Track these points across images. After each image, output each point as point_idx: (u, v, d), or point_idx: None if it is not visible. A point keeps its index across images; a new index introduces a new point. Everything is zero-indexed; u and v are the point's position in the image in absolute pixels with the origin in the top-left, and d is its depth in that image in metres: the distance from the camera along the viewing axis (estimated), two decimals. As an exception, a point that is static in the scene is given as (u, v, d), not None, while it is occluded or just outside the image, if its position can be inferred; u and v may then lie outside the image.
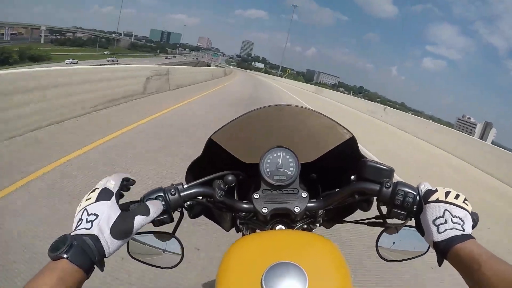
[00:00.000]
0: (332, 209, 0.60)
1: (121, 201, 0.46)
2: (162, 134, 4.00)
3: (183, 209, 0.52)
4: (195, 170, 0.59)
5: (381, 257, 0.58)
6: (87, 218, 0.40)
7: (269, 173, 0.55)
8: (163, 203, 0.47)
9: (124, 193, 0.49)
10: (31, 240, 1.61)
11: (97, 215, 0.40)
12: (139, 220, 0.42)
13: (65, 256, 0.35)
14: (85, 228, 0.39)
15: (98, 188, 0.44)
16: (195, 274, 1.55)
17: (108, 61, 60.46)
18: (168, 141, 3.71)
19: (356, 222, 0.63)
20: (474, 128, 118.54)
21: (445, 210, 0.43)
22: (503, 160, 5.92)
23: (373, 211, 0.58)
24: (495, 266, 0.35)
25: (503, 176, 5.57)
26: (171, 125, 4.53)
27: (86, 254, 0.37)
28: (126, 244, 0.44)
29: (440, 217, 0.43)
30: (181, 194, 0.49)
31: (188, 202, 0.52)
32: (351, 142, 0.58)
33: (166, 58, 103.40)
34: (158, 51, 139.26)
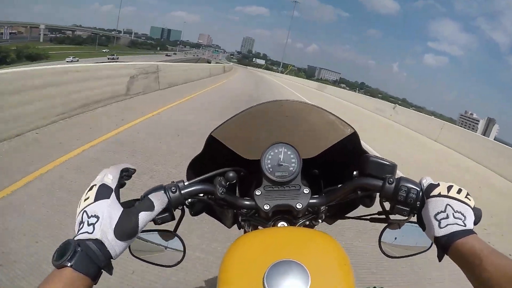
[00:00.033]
0: (334, 205, 0.60)
1: (123, 191, 0.43)
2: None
3: (184, 206, 0.52)
4: (196, 167, 0.59)
5: (384, 253, 0.57)
6: (88, 221, 0.37)
7: (271, 169, 0.54)
8: (167, 194, 0.46)
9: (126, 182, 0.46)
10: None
11: (98, 217, 0.37)
12: (143, 216, 0.40)
13: (68, 264, 0.33)
14: (87, 232, 0.37)
15: (95, 184, 0.41)
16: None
17: (108, 58, 60.33)
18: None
19: (359, 218, 0.63)
20: (477, 124, 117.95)
21: (447, 204, 0.43)
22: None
23: (376, 207, 0.58)
24: (496, 261, 0.35)
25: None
26: (134, 150, 3.18)
27: (91, 260, 0.35)
28: None
29: (441, 211, 0.43)
30: (182, 191, 0.48)
31: (189, 200, 0.52)
32: (353, 138, 0.57)
33: (167, 55, 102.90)
34: (158, 48, 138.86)
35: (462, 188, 0.46)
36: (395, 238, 0.57)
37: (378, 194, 0.52)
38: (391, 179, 0.48)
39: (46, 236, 1.70)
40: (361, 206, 0.64)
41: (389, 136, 7.34)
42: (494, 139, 8.08)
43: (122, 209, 0.39)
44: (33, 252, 1.56)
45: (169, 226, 0.51)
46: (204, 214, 0.62)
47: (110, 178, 0.41)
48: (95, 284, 0.36)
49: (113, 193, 0.40)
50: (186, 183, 0.50)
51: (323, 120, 0.57)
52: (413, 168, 4.41)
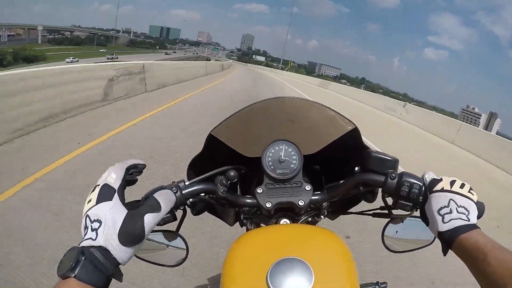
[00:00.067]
0: (336, 201, 0.59)
1: (134, 188, 0.40)
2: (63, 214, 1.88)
3: (186, 206, 0.52)
4: (196, 166, 0.59)
5: (387, 248, 0.57)
6: (91, 226, 0.35)
7: (272, 167, 0.54)
8: (174, 191, 0.45)
9: (137, 178, 0.43)
10: None
11: (100, 221, 0.35)
12: (149, 218, 0.36)
13: (72, 275, 0.31)
14: (91, 239, 0.34)
15: (98, 185, 0.38)
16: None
17: (108, 58, 60.37)
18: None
19: (361, 213, 0.63)
20: (479, 118, 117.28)
21: (450, 199, 0.43)
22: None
23: (378, 202, 0.58)
24: (500, 255, 0.35)
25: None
26: (87, 185, 2.21)
27: (97, 269, 0.33)
28: None
29: (445, 206, 0.42)
30: (183, 191, 0.48)
31: (191, 199, 0.51)
32: (354, 133, 0.57)
33: (166, 54, 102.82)
34: (158, 47, 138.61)
35: (465, 183, 0.46)
36: (397, 232, 0.57)
37: (380, 189, 0.52)
38: (393, 174, 0.48)
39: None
40: (363, 201, 0.64)
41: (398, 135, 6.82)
42: (496, 134, 7.94)
43: (126, 211, 0.36)
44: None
45: (169, 226, 0.51)
46: (206, 213, 0.62)
47: (113, 177, 0.39)
48: None
49: (116, 194, 0.37)
50: (187, 183, 0.50)
51: (324, 116, 0.57)
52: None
